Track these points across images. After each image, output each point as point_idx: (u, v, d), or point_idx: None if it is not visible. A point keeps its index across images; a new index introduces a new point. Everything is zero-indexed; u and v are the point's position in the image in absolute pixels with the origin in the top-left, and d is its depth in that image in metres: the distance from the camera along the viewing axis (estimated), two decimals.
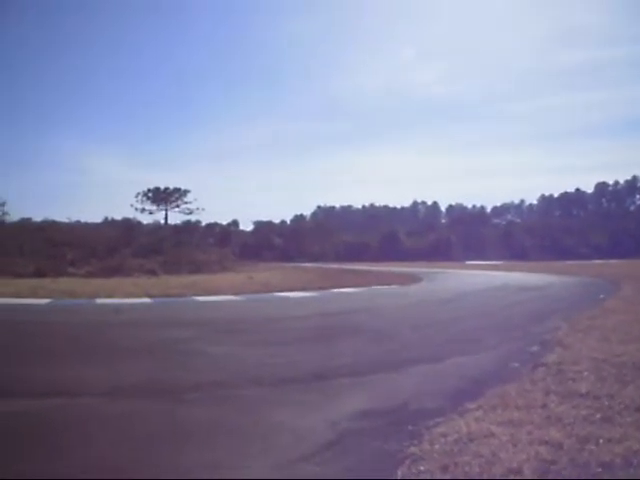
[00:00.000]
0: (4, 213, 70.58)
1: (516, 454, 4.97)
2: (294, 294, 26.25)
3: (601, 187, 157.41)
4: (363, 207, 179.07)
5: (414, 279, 38.86)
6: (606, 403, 6.52)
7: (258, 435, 6.14)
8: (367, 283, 32.99)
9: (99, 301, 22.28)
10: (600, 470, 4.63)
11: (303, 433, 6.11)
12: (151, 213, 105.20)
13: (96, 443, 5.86)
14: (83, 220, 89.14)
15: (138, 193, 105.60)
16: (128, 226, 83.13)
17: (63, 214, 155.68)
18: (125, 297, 23.71)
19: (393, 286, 32.47)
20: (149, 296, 24.13)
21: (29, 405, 7.28)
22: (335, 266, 72.33)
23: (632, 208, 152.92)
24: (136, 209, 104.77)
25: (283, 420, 6.63)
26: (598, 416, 6.04)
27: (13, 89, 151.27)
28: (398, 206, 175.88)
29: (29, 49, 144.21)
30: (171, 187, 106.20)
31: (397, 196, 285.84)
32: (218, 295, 25.11)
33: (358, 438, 5.89)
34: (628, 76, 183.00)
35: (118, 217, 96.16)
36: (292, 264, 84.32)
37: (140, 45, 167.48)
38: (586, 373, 8.10)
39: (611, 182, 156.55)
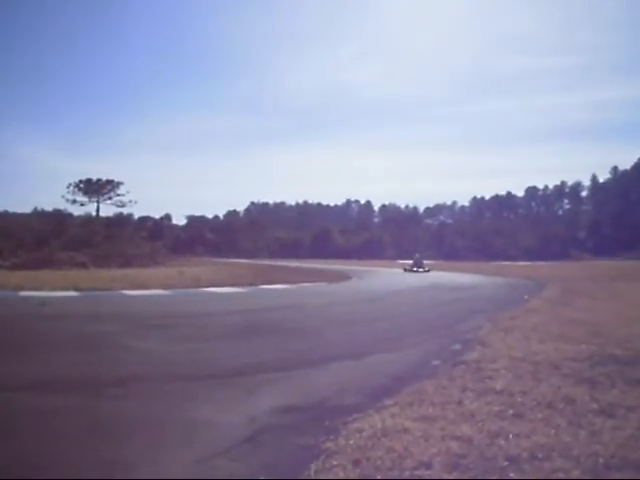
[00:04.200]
0: None
1: (427, 449, 5.08)
2: (223, 289, 26.22)
3: (531, 191, 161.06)
4: (297, 204, 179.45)
5: (344, 277, 39.16)
6: (519, 400, 6.71)
7: (177, 430, 6.12)
8: (296, 280, 33.07)
9: (23, 293, 21.84)
10: (507, 464, 4.75)
11: (222, 428, 6.12)
12: (82, 205, 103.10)
13: (8, 439, 5.74)
14: (11, 210, 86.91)
15: (70, 184, 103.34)
16: (58, 217, 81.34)
17: None
18: (52, 290, 23.26)
19: (322, 283, 32.61)
20: (76, 289, 23.74)
21: None
22: (267, 262, 72.09)
23: (560, 212, 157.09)
24: (67, 200, 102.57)
25: (203, 415, 6.60)
26: (510, 412, 6.21)
27: None
28: (331, 204, 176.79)
29: None
30: (104, 179, 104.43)
31: (330, 194, 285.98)
32: (147, 289, 24.87)
33: (276, 433, 5.92)
34: (559, 85, 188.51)
35: (48, 208, 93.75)
36: (224, 259, 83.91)
37: (76, 35, 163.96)
38: (503, 371, 8.32)
39: (541, 187, 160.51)
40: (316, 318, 16.48)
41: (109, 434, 5.94)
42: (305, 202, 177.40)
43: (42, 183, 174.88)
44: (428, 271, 51.25)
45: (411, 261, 57.95)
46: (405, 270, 52.86)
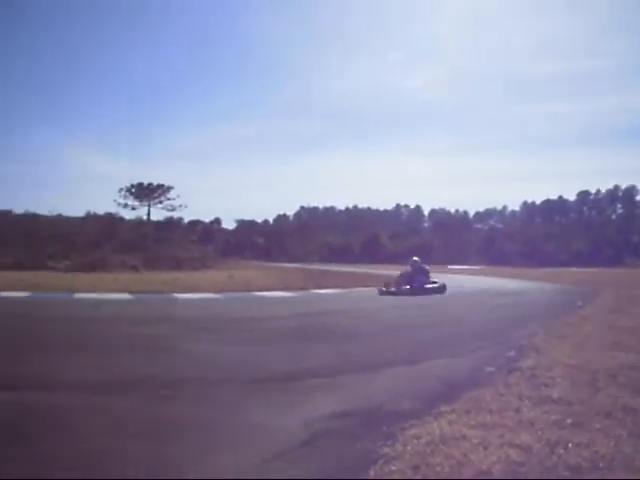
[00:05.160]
0: None
1: (486, 456, 5.05)
2: (274, 294, 26.36)
3: (583, 195, 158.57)
4: (346, 209, 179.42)
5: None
6: (577, 409, 6.60)
7: (232, 433, 6.17)
8: (348, 285, 33.00)
9: (78, 296, 22.28)
10: (567, 473, 4.71)
11: (277, 432, 6.13)
12: (134, 209, 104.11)
13: (67, 438, 5.86)
14: (65, 214, 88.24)
15: (121, 188, 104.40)
16: (110, 221, 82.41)
17: (45, 207, 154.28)
18: (105, 292, 23.68)
19: (373, 288, 32.39)
20: (130, 292, 24.12)
21: (12, 397, 7.34)
22: (317, 267, 71.71)
23: (613, 217, 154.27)
24: (119, 204, 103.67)
25: (257, 419, 6.64)
26: (569, 421, 6.11)
27: None
28: (381, 208, 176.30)
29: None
30: (155, 183, 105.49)
31: (380, 198, 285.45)
32: (198, 293, 25.12)
33: (332, 438, 5.92)
34: (611, 87, 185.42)
35: (100, 212, 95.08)
36: (274, 264, 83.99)
37: (124, 41, 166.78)
38: (559, 379, 8.19)
39: (593, 191, 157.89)
40: (369, 323, 16.53)
41: (164, 435, 6.04)
42: (355, 207, 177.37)
43: (94, 188, 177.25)
44: (440, 288, 29.84)
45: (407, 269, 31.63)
46: (381, 293, 28.53)
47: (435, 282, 30.30)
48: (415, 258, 32.43)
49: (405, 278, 29.88)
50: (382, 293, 28.29)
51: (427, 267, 32.28)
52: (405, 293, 27.67)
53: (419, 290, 28.14)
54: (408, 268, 31.37)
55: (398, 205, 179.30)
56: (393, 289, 28.61)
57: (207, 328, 14.41)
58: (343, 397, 7.72)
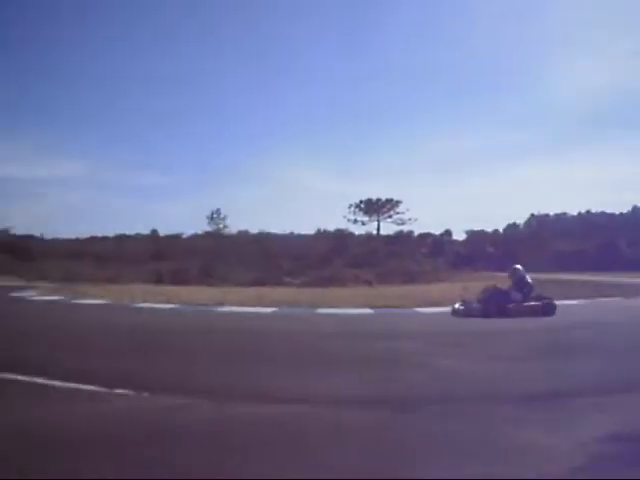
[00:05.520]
0: (224, 226, 76.88)
1: None
2: None
3: None
4: (579, 214, 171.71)
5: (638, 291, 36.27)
6: None
7: (502, 452, 6.09)
8: (588, 295, 31.21)
9: (320, 311, 23.04)
10: None
11: (550, 453, 5.94)
12: (363, 224, 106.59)
13: (348, 450, 6.12)
14: (296, 232, 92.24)
15: (350, 205, 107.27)
16: (340, 237, 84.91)
17: (277, 226, 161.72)
18: (346, 307, 24.30)
19: (616, 299, 30.40)
20: (370, 307, 24.61)
21: (278, 410, 7.90)
22: (547, 276, 68.83)
23: None
24: (348, 220, 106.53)
25: (525, 438, 6.49)
26: None
27: (220, 112, 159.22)
28: (617, 212, 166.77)
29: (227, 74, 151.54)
30: (383, 198, 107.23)
31: (617, 202, 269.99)
32: (438, 307, 24.96)
33: (613, 464, 5.62)
34: None
35: (330, 228, 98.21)
36: (504, 274, 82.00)
37: (348, 52, 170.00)
38: None
39: None
40: (624, 339, 15.29)
41: (435, 451, 6.17)
42: (588, 211, 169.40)
43: (323, 205, 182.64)
44: (545, 307, 21.77)
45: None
46: (453, 312, 21.81)
47: (544, 298, 22.69)
48: (517, 266, 24.76)
49: (487, 294, 22.84)
50: (454, 313, 21.78)
51: (529, 279, 23.89)
52: (476, 314, 21.10)
53: (499, 311, 21.21)
54: (511, 274, 24.61)
55: (635, 207, 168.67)
56: (462, 307, 22.07)
57: (456, 343, 14.40)
58: (615, 419, 7.26)
